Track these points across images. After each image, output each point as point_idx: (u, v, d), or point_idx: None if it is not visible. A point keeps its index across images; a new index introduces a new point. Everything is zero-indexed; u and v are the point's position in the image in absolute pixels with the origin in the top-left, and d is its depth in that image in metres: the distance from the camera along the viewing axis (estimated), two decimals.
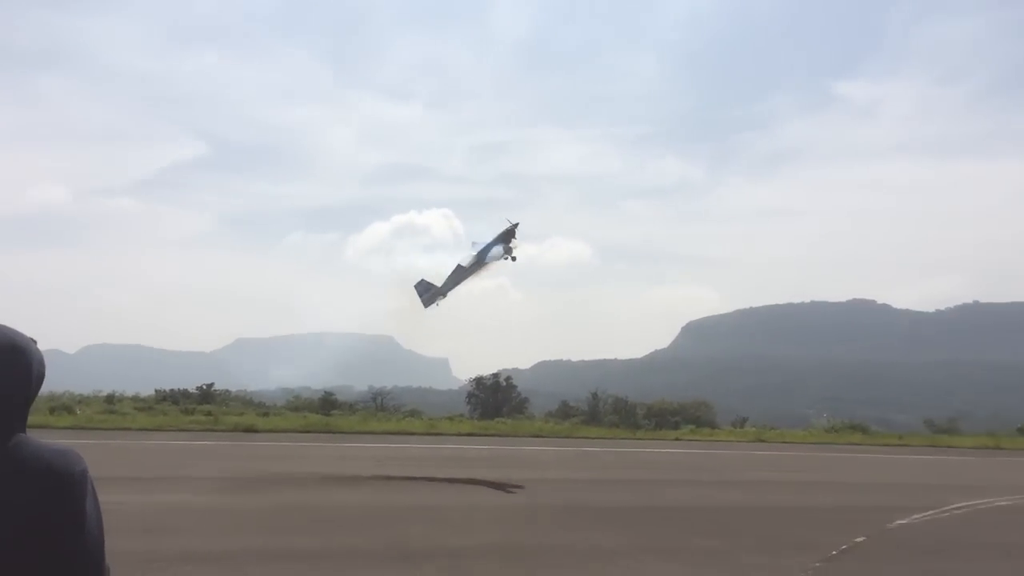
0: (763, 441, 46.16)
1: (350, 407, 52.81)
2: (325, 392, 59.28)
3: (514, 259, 26.18)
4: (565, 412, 67.75)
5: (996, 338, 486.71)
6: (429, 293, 26.35)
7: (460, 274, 26.12)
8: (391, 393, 63.12)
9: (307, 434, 35.77)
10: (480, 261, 26.35)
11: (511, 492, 17.96)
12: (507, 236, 26.30)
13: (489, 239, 26.35)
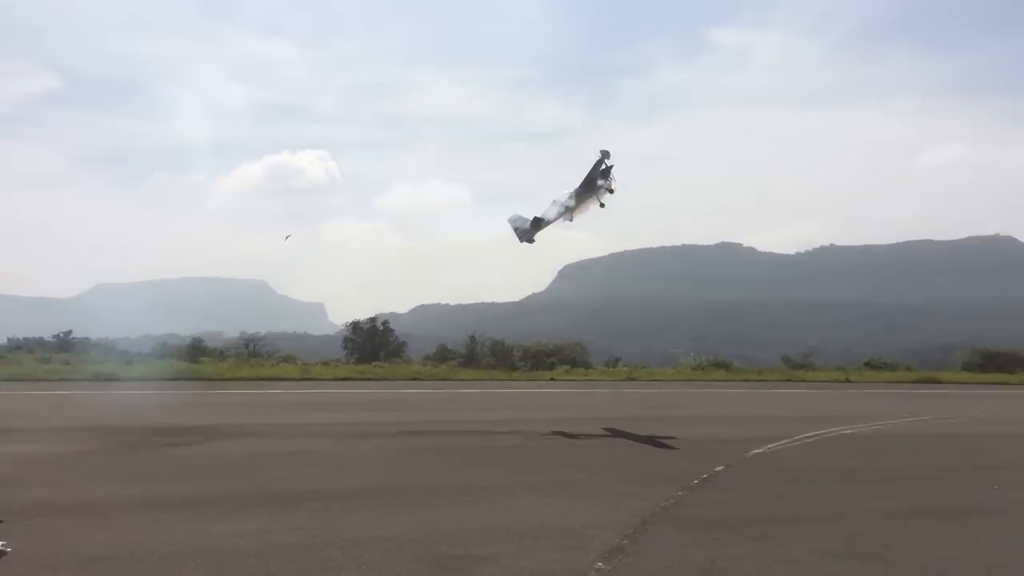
0: (634, 379, 47.79)
1: (220, 354, 51.28)
2: (193, 339, 57.33)
3: (612, 191, 24.03)
4: (443, 355, 67.88)
5: (849, 278, 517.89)
6: (525, 228, 24.35)
7: (559, 210, 24.05)
8: (264, 339, 61.56)
9: (174, 382, 34.58)
10: (585, 192, 23.99)
11: (385, 435, 17.91)
12: (601, 170, 23.96)
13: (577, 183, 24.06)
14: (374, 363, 53.63)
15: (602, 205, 23.91)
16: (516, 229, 24.35)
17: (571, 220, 24.39)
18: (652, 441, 18.10)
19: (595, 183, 23.78)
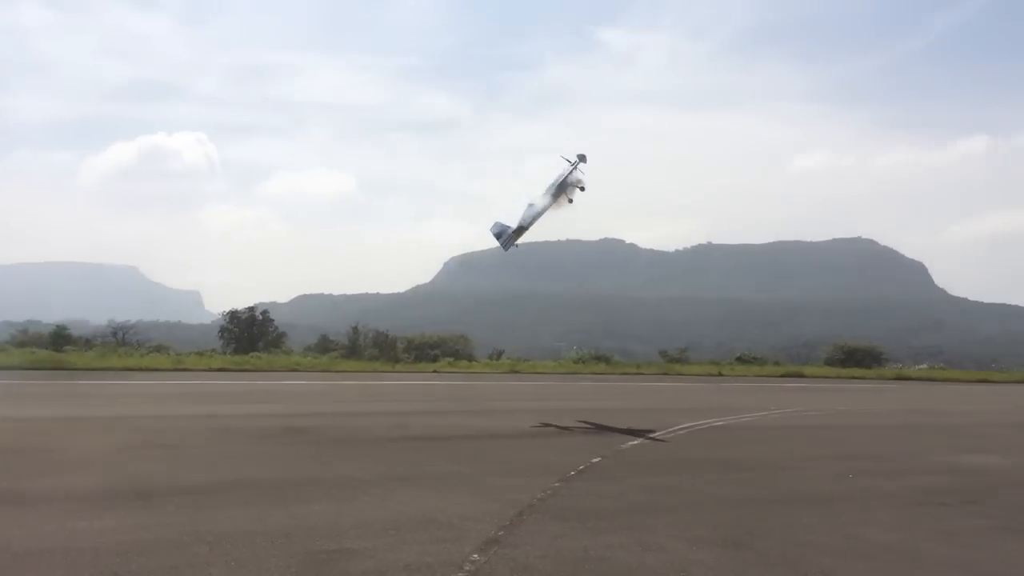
0: (517, 372, 48.24)
1: (86, 343, 48.88)
2: (57, 326, 54.45)
3: (583, 189, 24.36)
4: (324, 346, 66.77)
5: (725, 276, 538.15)
6: (507, 236, 24.40)
7: (538, 211, 24.19)
8: (134, 328, 59.05)
9: (35, 371, 32.73)
10: (556, 193, 24.19)
11: (260, 428, 17.45)
12: (582, 159, 24.36)
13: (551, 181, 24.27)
14: (252, 354, 52.26)
15: (570, 200, 24.21)
16: (498, 236, 24.50)
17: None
18: (531, 433, 18.31)
19: (567, 185, 24.10)
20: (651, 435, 18.03)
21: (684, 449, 16.44)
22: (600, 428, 19.40)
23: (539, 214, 23.98)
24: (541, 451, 15.54)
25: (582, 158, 24.06)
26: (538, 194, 24.09)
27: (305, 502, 10.03)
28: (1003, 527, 9.97)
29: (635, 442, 16.92)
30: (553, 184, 24.05)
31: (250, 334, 64.68)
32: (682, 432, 19.08)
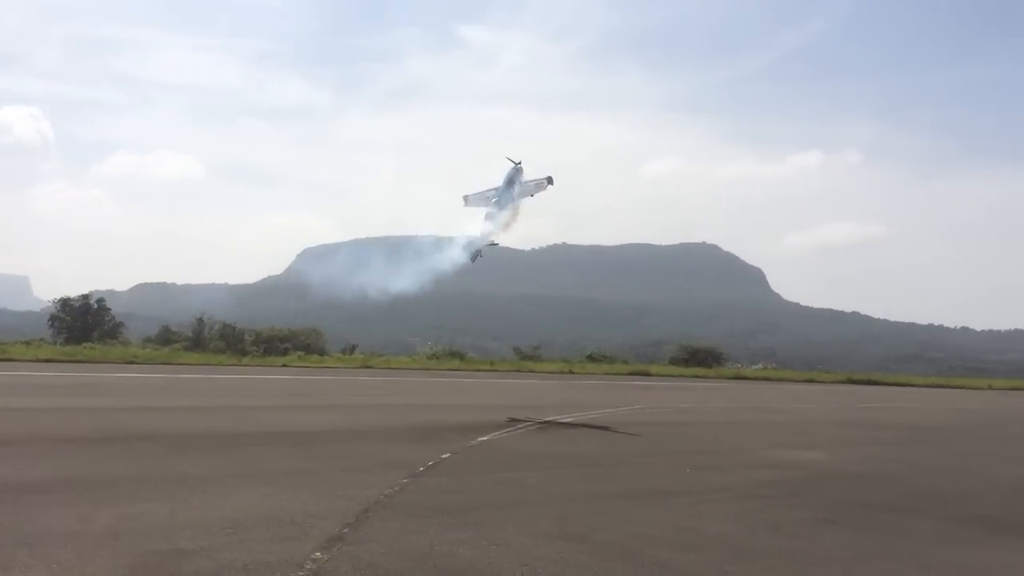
0: (370, 367, 47.70)
1: None
2: None
3: (552, 181, 25.49)
4: (166, 338, 63.92)
5: (577, 276, 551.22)
6: (479, 250, 25.62)
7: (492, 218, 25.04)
8: None
9: None
10: (507, 202, 25.13)
11: (91, 422, 16.45)
12: (517, 172, 25.29)
13: (496, 185, 25.34)
14: (85, 344, 49.34)
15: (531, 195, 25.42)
16: (472, 252, 25.81)
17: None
18: (380, 429, 18.12)
19: (514, 186, 25.18)
20: (501, 431, 18.22)
21: (532, 445, 16.70)
22: (450, 423, 19.44)
23: (500, 223, 25.30)
24: (390, 447, 15.40)
25: (518, 167, 25.33)
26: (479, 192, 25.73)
27: (136, 501, 9.53)
28: (824, 518, 10.66)
29: (484, 438, 17.05)
30: (501, 190, 25.16)
31: (84, 324, 61.11)
32: (532, 428, 19.38)
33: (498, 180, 25.70)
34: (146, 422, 16.94)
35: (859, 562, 8.55)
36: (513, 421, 20.03)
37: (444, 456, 14.16)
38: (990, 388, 75.05)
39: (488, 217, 25.12)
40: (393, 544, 8.16)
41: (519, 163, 25.71)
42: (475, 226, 25.67)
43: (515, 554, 8.07)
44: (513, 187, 25.39)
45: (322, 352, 59.65)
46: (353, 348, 67.98)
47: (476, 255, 26.02)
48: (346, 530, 8.59)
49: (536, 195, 25.76)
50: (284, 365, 44.62)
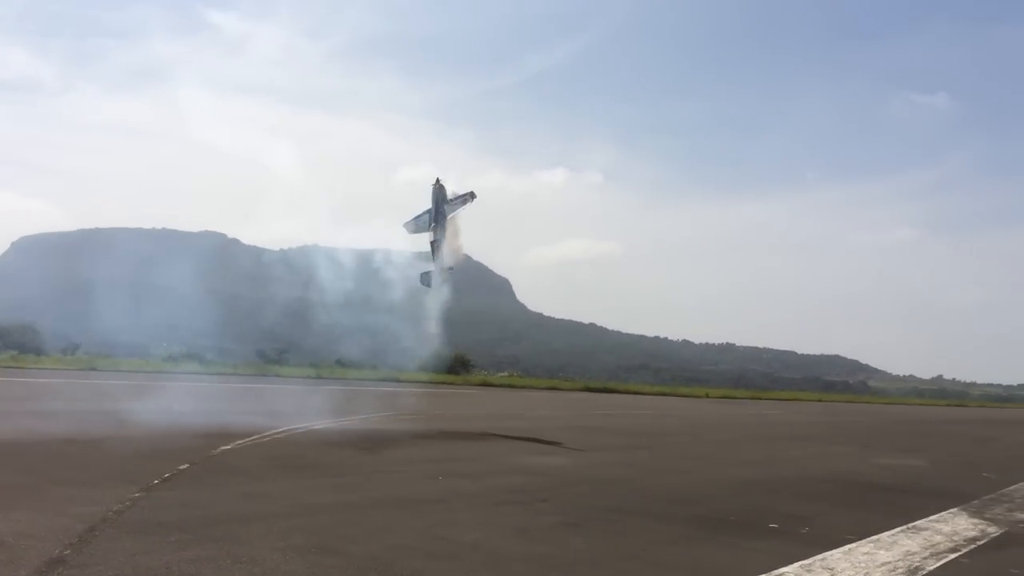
0: (95, 369, 43.89)
1: None
2: None
3: (474, 195, 26.99)
4: None
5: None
6: (431, 281, 27.12)
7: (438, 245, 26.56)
8: None
9: None
10: (441, 222, 26.47)
11: None
12: (440, 189, 26.53)
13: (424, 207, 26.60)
14: None
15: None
16: (427, 283, 27.25)
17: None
18: (108, 439, 16.61)
19: (443, 208, 26.48)
20: (245, 439, 17.33)
21: (279, 454, 16.05)
22: (192, 431, 18.21)
23: (440, 247, 26.87)
24: (121, 458, 14.14)
25: (441, 188, 26.66)
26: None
27: None
28: (569, 522, 11.09)
29: (227, 447, 16.14)
30: (433, 213, 26.56)
31: None
32: (279, 435, 18.64)
33: (425, 203, 26.90)
34: None
35: (600, 564, 8.95)
36: (260, 428, 19.13)
37: (182, 467, 13.22)
38: (707, 396, 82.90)
39: (435, 245, 26.82)
40: (123, 566, 7.41)
41: (438, 181, 26.80)
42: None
43: (262, 571, 7.62)
44: (442, 206, 26.61)
45: (39, 351, 54.00)
46: (76, 348, 62.13)
47: (427, 279, 27.34)
48: (68, 552, 7.70)
49: (460, 210, 27.20)
50: None
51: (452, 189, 27.25)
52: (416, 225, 27.66)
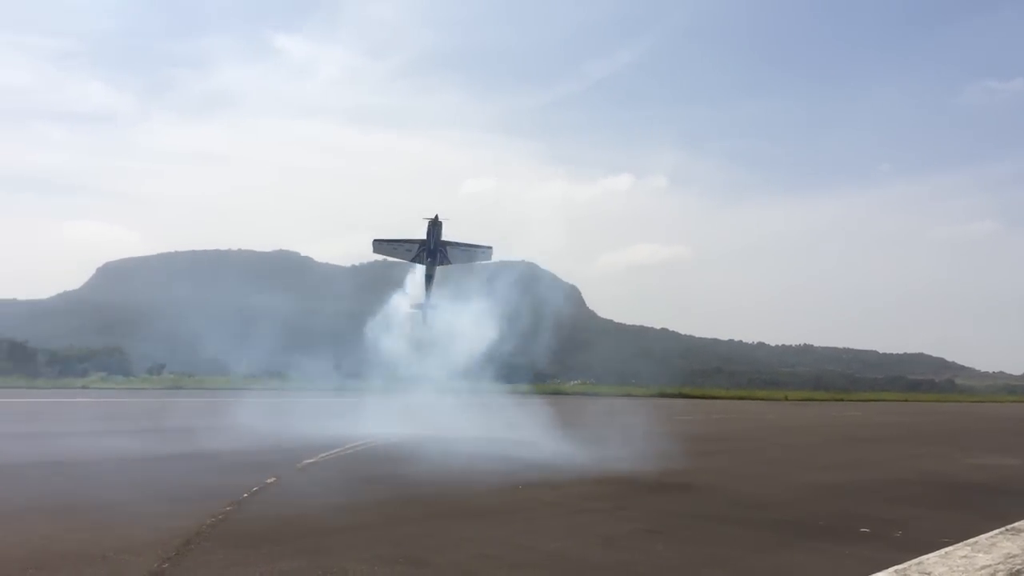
0: (182, 388, 45.17)
1: None
2: None
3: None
4: None
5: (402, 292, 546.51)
6: (423, 311, 28.11)
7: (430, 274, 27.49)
8: None
9: None
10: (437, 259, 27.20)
11: None
12: (436, 225, 27.22)
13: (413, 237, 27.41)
14: None
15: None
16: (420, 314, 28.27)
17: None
18: (199, 455, 17.12)
19: (443, 246, 27.31)
20: (328, 452, 17.66)
21: (362, 467, 16.29)
22: (276, 446, 18.65)
23: (432, 282, 27.79)
24: (213, 473, 14.55)
25: (436, 222, 27.49)
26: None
27: None
28: (651, 529, 10.98)
29: (311, 460, 16.47)
30: (426, 246, 27.27)
31: None
32: (359, 448, 18.92)
33: (413, 231, 27.86)
34: None
35: (686, 572, 8.84)
36: (341, 442, 19.46)
37: (269, 480, 13.54)
38: (786, 399, 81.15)
39: (430, 280, 27.93)
40: None
41: (436, 216, 27.40)
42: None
43: None
44: (435, 247, 27.37)
45: (127, 372, 55.92)
46: (162, 368, 64.18)
47: (421, 311, 28.45)
48: (166, 566, 7.97)
49: (472, 263, 28.47)
50: (84, 387, 41.44)
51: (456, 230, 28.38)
52: (392, 249, 28.30)
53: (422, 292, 28.59)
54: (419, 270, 28.37)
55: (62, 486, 12.51)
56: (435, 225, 27.49)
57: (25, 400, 30.87)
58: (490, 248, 28.33)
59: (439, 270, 28.26)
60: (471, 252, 28.05)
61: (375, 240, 28.30)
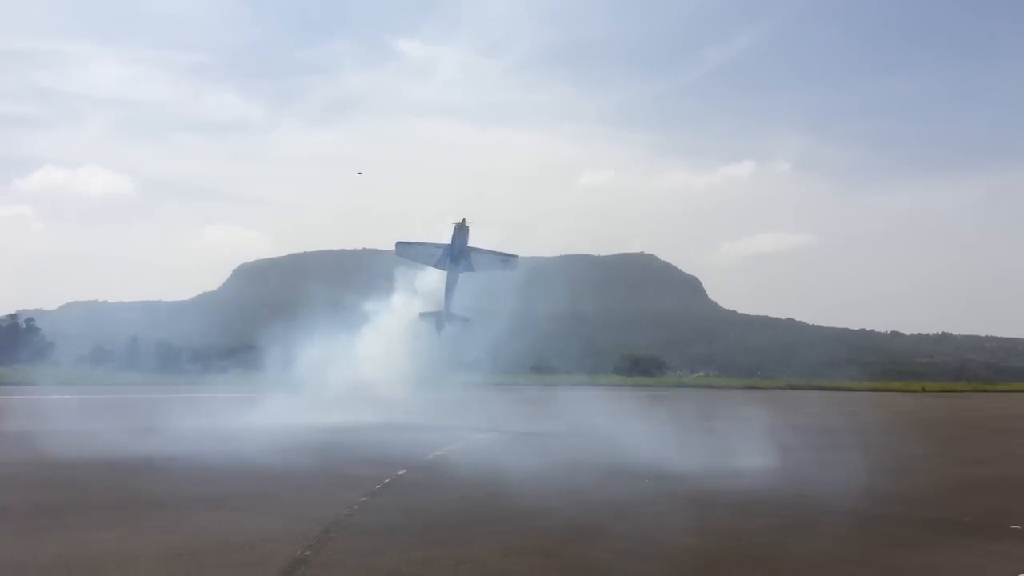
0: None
1: None
2: None
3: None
4: (99, 357, 62.14)
5: (519, 288, 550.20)
6: (439, 320, 27.54)
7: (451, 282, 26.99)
8: None
9: None
10: (460, 264, 26.61)
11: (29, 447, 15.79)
12: (462, 230, 26.57)
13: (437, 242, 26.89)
14: (13, 366, 47.59)
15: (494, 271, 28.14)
16: (437, 326, 27.90)
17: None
18: (336, 447, 17.74)
19: (469, 252, 26.70)
20: (455, 445, 17.98)
21: (488, 458, 16.42)
22: (404, 441, 19.14)
23: (453, 289, 27.23)
24: (345, 465, 15.05)
25: (463, 226, 26.78)
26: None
27: (87, 528, 9.10)
28: (785, 524, 10.64)
29: (439, 453, 16.82)
30: (448, 250, 26.71)
31: (12, 344, 58.94)
32: (481, 440, 19.17)
33: (440, 235, 27.02)
34: (86, 445, 16.29)
35: (826, 569, 8.55)
36: (467, 435, 19.78)
37: (401, 472, 13.90)
38: (923, 390, 77.17)
39: (450, 287, 27.21)
40: (359, 566, 7.89)
41: (463, 220, 26.41)
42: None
43: (488, 572, 7.88)
44: (459, 253, 26.60)
45: (263, 369, 58.40)
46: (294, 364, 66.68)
47: (437, 322, 27.97)
48: (308, 553, 8.29)
49: (496, 271, 27.50)
50: (227, 383, 43.59)
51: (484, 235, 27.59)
52: (416, 252, 27.29)
53: (440, 299, 27.41)
54: (439, 274, 27.55)
55: (207, 475, 13.20)
56: (461, 229, 26.35)
57: (172, 396, 32.71)
58: (516, 257, 27.32)
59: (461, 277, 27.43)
60: (498, 260, 26.95)
61: (398, 243, 27.55)
